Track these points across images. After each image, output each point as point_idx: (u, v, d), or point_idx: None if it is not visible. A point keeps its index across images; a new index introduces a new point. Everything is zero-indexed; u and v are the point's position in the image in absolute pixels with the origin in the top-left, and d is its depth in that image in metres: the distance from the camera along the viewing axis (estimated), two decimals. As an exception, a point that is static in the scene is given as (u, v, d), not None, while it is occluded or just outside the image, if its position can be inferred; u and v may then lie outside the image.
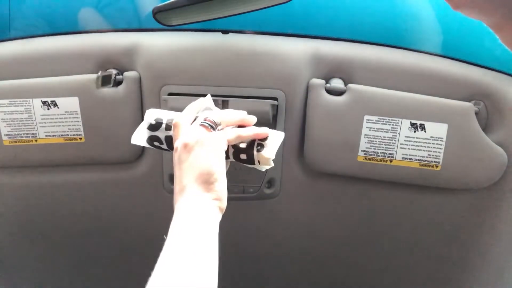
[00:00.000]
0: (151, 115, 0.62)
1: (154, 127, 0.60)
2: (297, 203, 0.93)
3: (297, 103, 0.83)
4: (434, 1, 0.93)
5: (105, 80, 0.80)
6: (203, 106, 0.60)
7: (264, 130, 0.57)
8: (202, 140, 0.52)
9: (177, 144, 0.53)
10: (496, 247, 0.91)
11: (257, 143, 0.57)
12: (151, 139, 0.61)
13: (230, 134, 0.55)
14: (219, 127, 0.55)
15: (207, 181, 0.50)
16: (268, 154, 0.56)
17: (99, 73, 0.79)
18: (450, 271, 0.98)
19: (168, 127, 0.60)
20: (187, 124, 0.56)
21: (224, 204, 0.52)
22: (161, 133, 0.60)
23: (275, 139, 0.57)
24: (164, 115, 0.61)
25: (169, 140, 0.60)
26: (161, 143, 0.61)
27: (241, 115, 0.58)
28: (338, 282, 1.07)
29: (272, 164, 0.57)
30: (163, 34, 0.86)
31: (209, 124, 0.55)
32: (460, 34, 0.91)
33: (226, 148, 0.54)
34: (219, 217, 0.51)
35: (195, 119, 0.58)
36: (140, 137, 0.61)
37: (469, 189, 0.87)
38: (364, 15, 0.91)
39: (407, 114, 0.81)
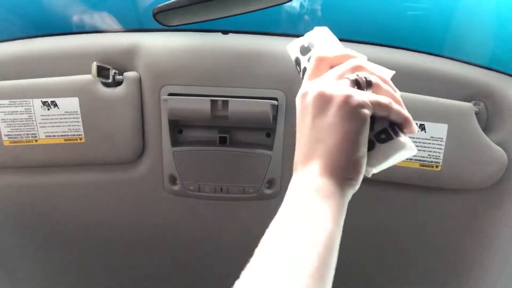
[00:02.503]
0: (313, 35, 0.50)
1: (302, 50, 0.51)
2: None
3: (297, 103, 0.83)
4: (434, 1, 0.93)
5: (102, 71, 0.79)
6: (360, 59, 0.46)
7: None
8: (346, 99, 0.37)
9: (308, 88, 0.41)
10: (495, 247, 0.91)
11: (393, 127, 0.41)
12: (296, 61, 0.52)
13: (385, 100, 0.40)
14: (369, 91, 0.41)
15: (348, 158, 0.38)
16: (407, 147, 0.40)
17: (94, 64, 0.78)
18: (450, 270, 0.98)
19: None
20: (327, 66, 0.44)
21: (358, 185, 0.40)
22: (303, 61, 0.50)
23: (407, 147, 0.41)
24: (319, 43, 0.50)
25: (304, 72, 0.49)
26: (299, 70, 0.51)
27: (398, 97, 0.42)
28: (338, 282, 1.07)
29: (380, 168, 0.43)
30: (163, 34, 0.86)
31: (357, 81, 0.40)
32: (460, 33, 0.91)
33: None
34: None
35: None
36: (293, 50, 0.52)
37: (469, 190, 0.87)
38: (364, 15, 0.91)
39: None
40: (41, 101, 0.82)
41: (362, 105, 0.38)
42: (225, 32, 0.84)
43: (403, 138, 0.41)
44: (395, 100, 0.42)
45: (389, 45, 0.85)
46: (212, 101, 0.80)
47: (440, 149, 0.82)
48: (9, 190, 0.92)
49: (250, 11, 0.70)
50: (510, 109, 0.81)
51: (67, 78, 0.82)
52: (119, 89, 0.82)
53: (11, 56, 0.83)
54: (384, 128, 0.41)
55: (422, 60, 0.84)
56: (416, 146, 0.82)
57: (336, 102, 0.38)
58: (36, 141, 0.84)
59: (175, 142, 0.86)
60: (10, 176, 0.90)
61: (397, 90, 0.44)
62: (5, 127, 0.83)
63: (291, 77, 0.81)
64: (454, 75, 0.83)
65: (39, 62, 0.83)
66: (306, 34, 0.51)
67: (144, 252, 1.03)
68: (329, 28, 0.53)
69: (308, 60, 0.48)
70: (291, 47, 0.52)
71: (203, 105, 0.80)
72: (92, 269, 1.06)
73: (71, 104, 0.82)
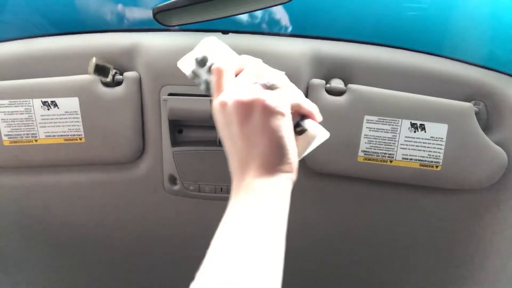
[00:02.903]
0: (203, 46, 0.53)
1: (199, 62, 0.52)
2: (297, 203, 0.92)
3: (297, 103, 0.83)
4: (434, 1, 0.93)
5: (101, 69, 0.78)
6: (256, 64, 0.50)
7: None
8: (265, 102, 0.41)
9: (225, 98, 0.44)
10: (495, 247, 0.91)
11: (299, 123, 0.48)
12: (194, 74, 0.53)
13: (294, 99, 0.45)
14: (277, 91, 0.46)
15: (279, 154, 0.42)
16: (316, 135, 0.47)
17: (93, 59, 0.76)
18: (449, 271, 0.98)
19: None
20: (232, 74, 0.47)
21: (296, 175, 0.45)
22: (203, 73, 0.52)
23: (319, 134, 0.48)
24: (213, 53, 0.53)
25: (209, 86, 0.51)
26: (200, 83, 0.53)
27: (301, 97, 0.47)
28: (338, 282, 1.07)
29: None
30: (163, 34, 0.86)
31: (267, 84, 0.45)
32: (460, 33, 0.91)
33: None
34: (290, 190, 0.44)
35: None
36: (186, 65, 0.53)
37: (469, 189, 0.87)
38: (364, 15, 0.91)
39: (407, 114, 0.81)
40: (41, 101, 0.82)
41: (281, 105, 0.42)
42: (225, 32, 0.84)
43: (315, 127, 0.48)
44: (300, 95, 0.47)
45: (389, 45, 0.86)
46: (212, 101, 0.80)
47: (440, 149, 0.82)
48: (9, 190, 0.92)
49: (250, 11, 0.71)
50: (510, 109, 0.81)
51: (67, 78, 0.82)
52: (119, 89, 0.82)
53: (11, 56, 0.83)
54: (297, 122, 0.47)
55: (422, 60, 0.84)
56: (416, 146, 0.82)
57: (258, 107, 0.41)
58: (36, 141, 0.84)
59: (175, 142, 0.86)
60: (10, 176, 0.90)
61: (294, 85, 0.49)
62: (5, 127, 0.83)
63: (291, 77, 0.81)
64: (454, 75, 0.83)
65: (39, 62, 0.83)
66: (196, 47, 0.54)
67: (144, 252, 1.03)
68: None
69: (208, 72, 0.51)
70: (183, 63, 0.54)
71: (203, 105, 0.80)
72: (92, 269, 1.06)
73: (71, 104, 0.82)
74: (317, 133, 0.48)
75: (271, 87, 0.45)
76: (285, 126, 0.42)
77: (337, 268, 1.05)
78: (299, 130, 0.47)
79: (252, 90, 0.43)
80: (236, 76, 0.47)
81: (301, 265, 1.05)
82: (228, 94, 0.44)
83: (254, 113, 0.42)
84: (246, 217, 0.39)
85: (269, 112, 0.41)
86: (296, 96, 0.46)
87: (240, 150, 0.43)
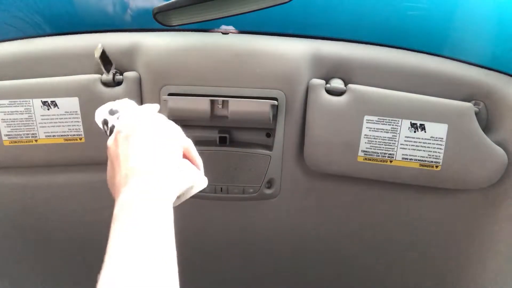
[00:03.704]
0: (118, 104, 0.61)
1: (112, 112, 0.59)
2: (297, 203, 0.93)
3: (297, 103, 0.83)
4: (434, 1, 0.93)
5: (105, 59, 0.78)
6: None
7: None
8: (117, 135, 0.51)
9: (111, 139, 0.53)
10: (495, 247, 0.91)
11: None
12: (104, 122, 0.60)
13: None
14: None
15: (152, 171, 0.47)
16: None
17: (100, 45, 0.77)
18: (449, 271, 0.98)
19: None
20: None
21: (172, 194, 0.49)
22: (111, 119, 0.60)
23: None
24: (125, 109, 0.61)
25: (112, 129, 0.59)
26: (107, 128, 0.60)
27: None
28: (338, 282, 1.07)
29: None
30: (163, 34, 0.86)
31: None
32: (460, 33, 0.91)
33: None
34: (171, 205, 0.48)
35: None
36: (100, 114, 0.61)
37: (469, 190, 0.87)
38: (364, 15, 0.91)
39: (407, 114, 0.81)
40: (41, 101, 0.82)
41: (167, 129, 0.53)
42: (225, 32, 0.84)
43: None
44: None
45: (389, 45, 0.86)
46: (212, 101, 0.80)
47: (440, 149, 0.82)
48: (9, 190, 0.92)
49: (250, 11, 0.71)
50: (510, 109, 0.81)
51: (67, 78, 0.82)
52: (119, 89, 0.82)
53: (11, 56, 0.83)
54: None
55: (422, 60, 0.84)
56: (416, 146, 0.82)
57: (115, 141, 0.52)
58: (36, 141, 0.84)
59: (175, 142, 0.86)
60: (10, 176, 0.90)
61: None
62: (5, 127, 0.83)
63: (291, 77, 0.81)
64: (454, 75, 0.83)
65: (39, 62, 0.83)
66: (115, 102, 0.61)
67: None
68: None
69: (117, 118, 0.59)
70: (98, 114, 0.61)
71: (203, 105, 0.80)
72: (92, 269, 1.06)
73: (71, 104, 0.82)
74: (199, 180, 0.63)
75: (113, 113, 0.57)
76: (134, 148, 0.49)
77: (336, 267, 1.05)
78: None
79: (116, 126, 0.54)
80: None
81: (301, 264, 1.05)
82: (111, 137, 0.53)
83: (119, 145, 0.50)
84: (131, 231, 0.44)
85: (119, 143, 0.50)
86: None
87: (125, 165, 0.49)
